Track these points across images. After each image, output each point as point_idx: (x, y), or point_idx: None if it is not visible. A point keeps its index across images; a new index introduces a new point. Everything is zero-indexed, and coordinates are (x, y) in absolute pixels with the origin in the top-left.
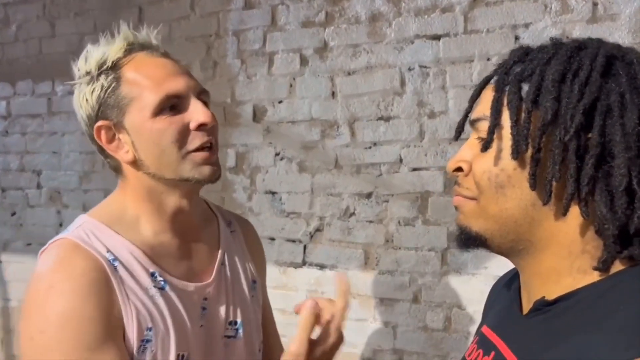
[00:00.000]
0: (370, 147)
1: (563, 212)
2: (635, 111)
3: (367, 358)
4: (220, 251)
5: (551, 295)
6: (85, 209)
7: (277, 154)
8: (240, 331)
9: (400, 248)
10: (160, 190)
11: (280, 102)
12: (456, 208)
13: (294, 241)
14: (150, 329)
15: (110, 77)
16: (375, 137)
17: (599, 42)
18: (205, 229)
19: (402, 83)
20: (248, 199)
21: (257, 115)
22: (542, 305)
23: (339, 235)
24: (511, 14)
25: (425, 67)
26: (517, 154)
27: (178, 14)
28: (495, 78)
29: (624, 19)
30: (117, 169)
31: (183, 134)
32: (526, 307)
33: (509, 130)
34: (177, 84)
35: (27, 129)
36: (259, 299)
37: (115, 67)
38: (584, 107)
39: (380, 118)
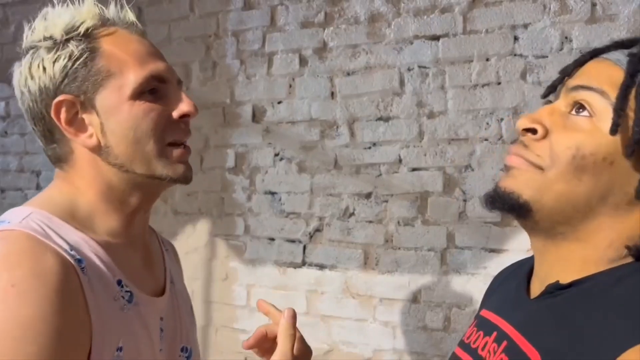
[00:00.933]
0: (369, 148)
1: None
2: None
3: (367, 358)
4: (167, 268)
5: (566, 281)
6: None
7: (276, 155)
8: (191, 359)
9: (399, 248)
10: (122, 187)
11: (279, 102)
12: (506, 167)
13: (293, 241)
14: (120, 349)
15: (82, 46)
16: (374, 137)
17: None
18: (151, 242)
19: (402, 83)
20: (247, 199)
21: (257, 115)
22: (555, 289)
23: (339, 236)
24: (510, 14)
25: (425, 67)
26: (632, 152)
27: (177, 15)
28: (621, 58)
29: (622, 19)
30: (62, 158)
31: (164, 123)
32: (536, 291)
33: (629, 122)
34: (161, 66)
35: (26, 130)
36: (196, 326)
37: (90, 35)
38: None
39: (380, 118)
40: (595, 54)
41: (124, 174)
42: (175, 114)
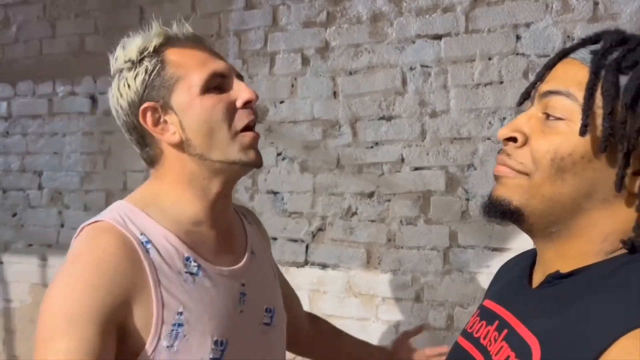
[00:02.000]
0: (372, 147)
1: None
2: None
3: None
4: (248, 241)
5: (566, 270)
6: (86, 209)
7: (278, 154)
8: (275, 318)
9: (402, 247)
10: (204, 175)
11: (281, 102)
12: (496, 177)
13: (296, 241)
14: (181, 313)
15: (154, 61)
16: (376, 136)
17: None
18: (234, 221)
19: (404, 83)
20: (250, 199)
21: (259, 115)
22: (555, 278)
23: (341, 235)
24: (512, 14)
25: (427, 66)
26: (604, 148)
27: (179, 14)
28: (586, 56)
29: (624, 18)
30: (154, 160)
31: (231, 112)
32: (538, 281)
33: (598, 120)
34: (220, 64)
35: (28, 130)
36: (281, 289)
37: (158, 51)
38: None
39: (382, 117)
40: (563, 54)
41: (203, 162)
42: (238, 102)
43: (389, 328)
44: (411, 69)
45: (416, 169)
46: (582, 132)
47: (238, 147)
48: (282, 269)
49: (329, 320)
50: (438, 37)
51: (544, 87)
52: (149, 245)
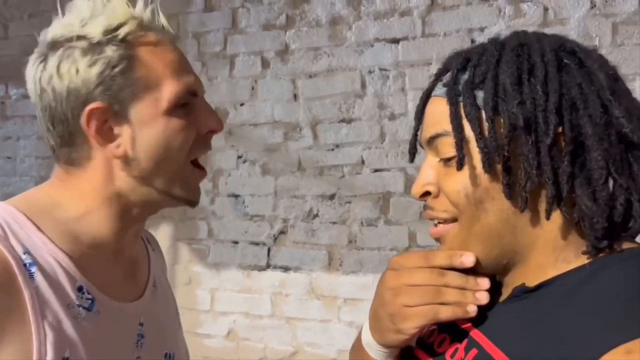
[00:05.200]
0: (332, 149)
1: (547, 216)
2: (597, 100)
3: (332, 359)
4: (151, 271)
5: (532, 284)
6: None
7: (239, 157)
8: None
9: (363, 248)
10: (130, 199)
11: (242, 104)
12: (437, 240)
13: (257, 244)
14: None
15: (120, 52)
16: (337, 139)
17: (535, 35)
18: (139, 247)
19: (363, 85)
20: (211, 202)
21: (220, 117)
22: (522, 292)
23: (303, 237)
24: (467, 18)
25: (385, 69)
26: (489, 166)
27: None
28: (442, 90)
29: (573, 24)
30: (74, 162)
31: (191, 140)
32: (504, 295)
33: (476, 143)
34: (192, 78)
35: None
36: (181, 330)
37: (128, 42)
38: (555, 106)
39: (342, 120)
40: (425, 97)
41: (139, 187)
42: (203, 129)
43: (350, 329)
44: (370, 72)
45: (376, 170)
46: (460, 166)
47: (182, 183)
48: (244, 273)
49: (292, 322)
50: (396, 41)
51: (425, 135)
52: (33, 269)
